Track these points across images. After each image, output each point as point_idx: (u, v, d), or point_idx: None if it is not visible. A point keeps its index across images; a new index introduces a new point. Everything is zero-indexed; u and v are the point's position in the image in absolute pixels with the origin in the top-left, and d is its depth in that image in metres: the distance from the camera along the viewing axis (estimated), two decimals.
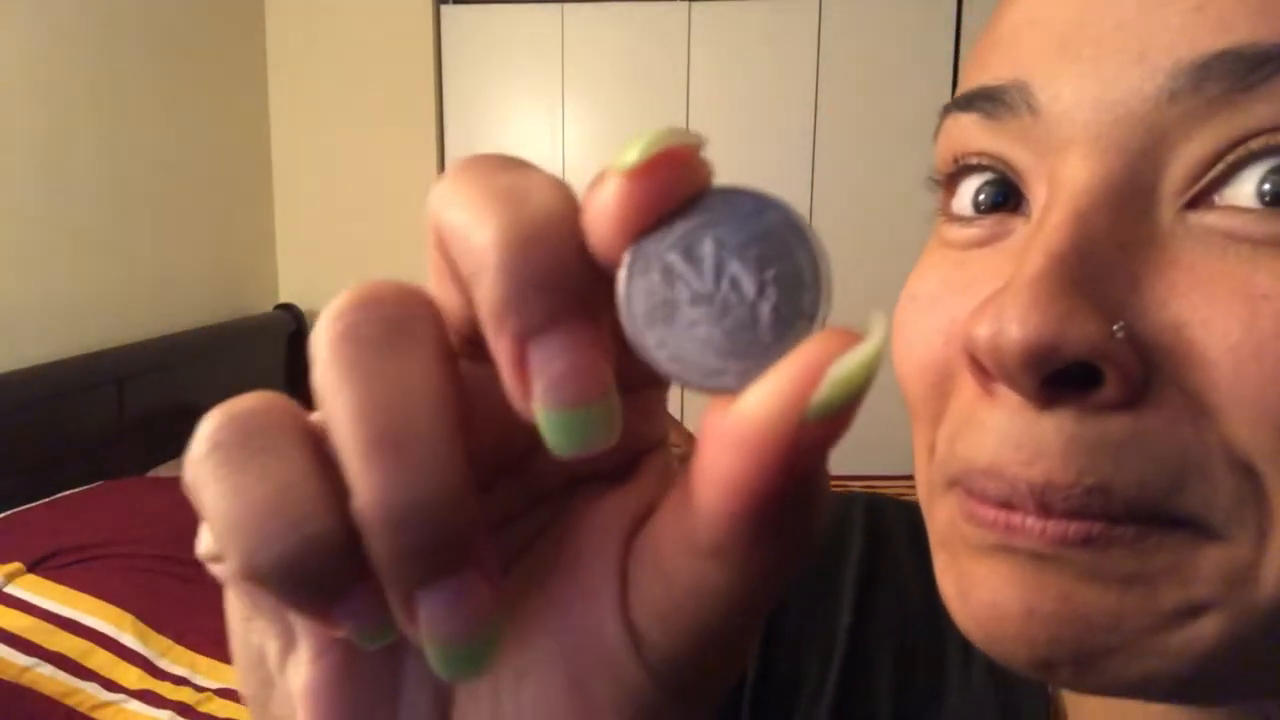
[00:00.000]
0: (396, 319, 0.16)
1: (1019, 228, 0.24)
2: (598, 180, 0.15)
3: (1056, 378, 0.20)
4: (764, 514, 0.14)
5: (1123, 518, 0.20)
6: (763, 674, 0.35)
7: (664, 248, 0.14)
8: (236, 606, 0.19)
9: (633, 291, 0.14)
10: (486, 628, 0.15)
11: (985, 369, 0.21)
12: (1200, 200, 0.20)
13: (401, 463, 0.14)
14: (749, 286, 0.14)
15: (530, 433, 0.15)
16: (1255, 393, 0.19)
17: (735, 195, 0.15)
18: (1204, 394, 0.19)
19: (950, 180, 0.25)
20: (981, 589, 0.22)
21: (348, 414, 0.15)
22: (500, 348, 0.14)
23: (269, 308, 2.96)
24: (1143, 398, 0.20)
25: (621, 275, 0.14)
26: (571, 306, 0.14)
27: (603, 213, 0.14)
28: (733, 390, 0.14)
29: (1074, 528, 0.20)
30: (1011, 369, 0.20)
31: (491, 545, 0.15)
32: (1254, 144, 0.19)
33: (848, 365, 0.13)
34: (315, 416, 0.16)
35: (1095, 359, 0.20)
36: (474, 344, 0.16)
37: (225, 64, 2.74)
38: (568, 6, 2.78)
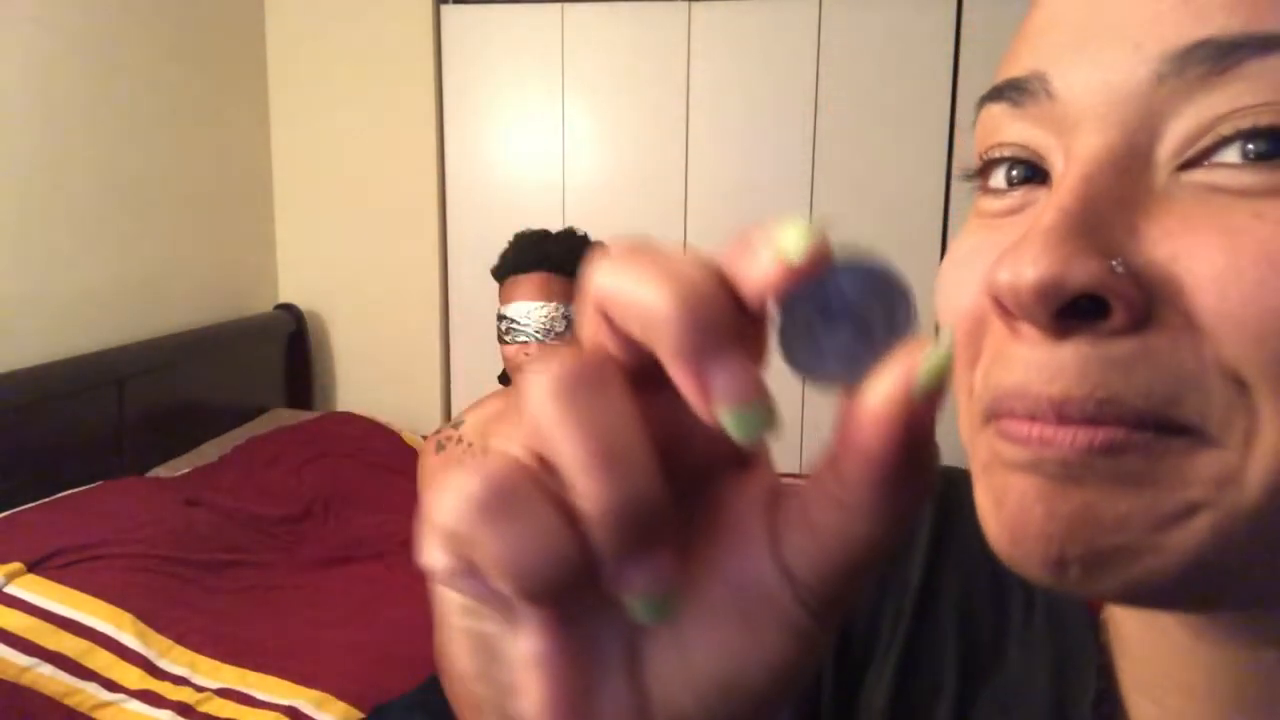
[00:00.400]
0: (592, 370, 0.21)
1: (1043, 197, 0.27)
2: (748, 246, 0.20)
3: (1068, 310, 0.23)
4: (893, 473, 0.20)
5: (1133, 426, 0.23)
6: (844, 630, 0.40)
7: (806, 298, 0.21)
8: (458, 603, 0.23)
9: (786, 329, 0.21)
10: (673, 586, 0.20)
11: (1008, 309, 0.24)
12: (1191, 164, 0.24)
13: (617, 471, 0.19)
14: (865, 320, 0.21)
15: (687, 434, 0.21)
16: (1238, 311, 0.22)
17: (849, 259, 0.21)
18: (1196, 316, 0.23)
19: (985, 169, 0.29)
20: (1012, 498, 0.25)
21: (573, 442, 0.20)
22: (685, 373, 0.20)
23: (269, 308, 2.96)
24: (1146, 323, 0.23)
25: (778, 318, 0.21)
26: (729, 339, 0.20)
27: (763, 281, 0.20)
28: (857, 384, 0.20)
29: (1098, 436, 0.23)
30: (1028, 304, 0.23)
31: (673, 524, 0.21)
32: (1226, 128, 0.23)
33: (931, 358, 0.19)
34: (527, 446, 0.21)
35: (1100, 291, 0.23)
36: (641, 378, 0.21)
37: (225, 64, 2.74)
38: (568, 6, 2.78)
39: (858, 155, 2.70)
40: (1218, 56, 0.23)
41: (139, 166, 2.38)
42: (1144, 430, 0.23)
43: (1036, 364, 0.24)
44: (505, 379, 1.44)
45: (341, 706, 1.47)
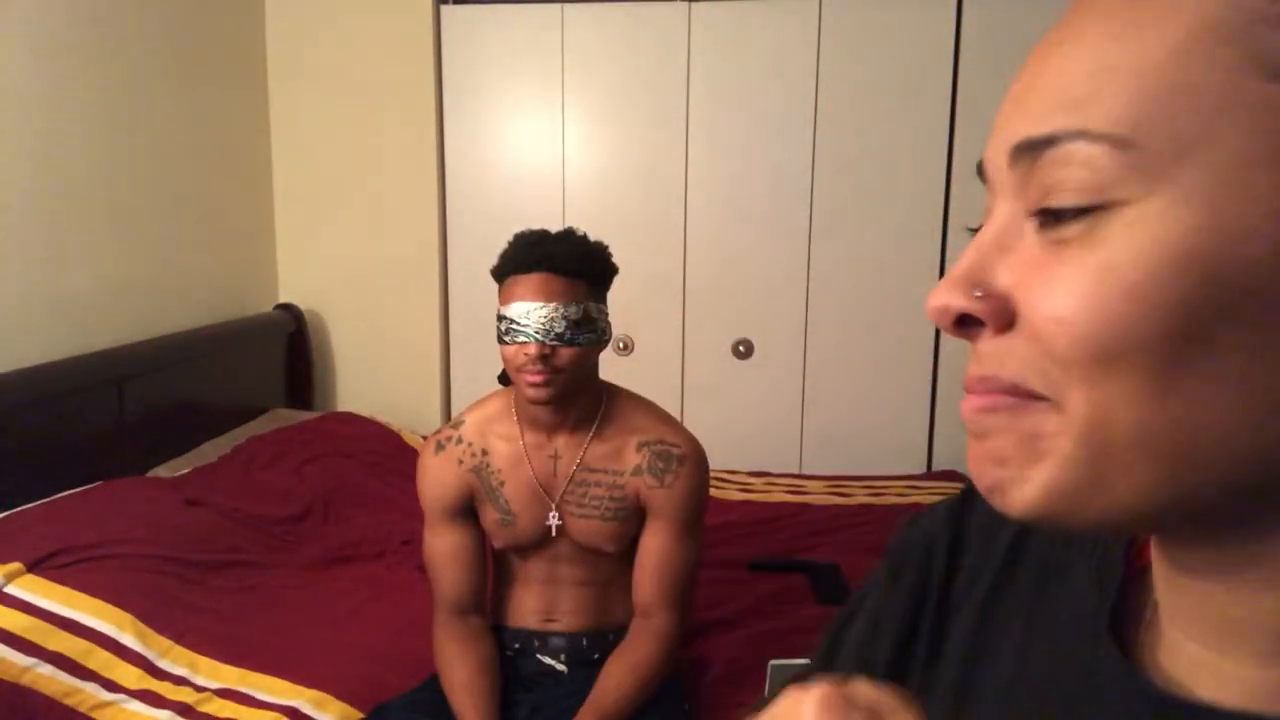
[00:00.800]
0: None
1: None
2: None
3: (965, 321, 0.35)
4: None
5: (1007, 394, 0.34)
6: (950, 561, 0.51)
7: None
8: None
9: None
10: None
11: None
12: (1043, 224, 0.33)
13: None
14: None
15: None
16: (1047, 324, 0.32)
17: None
18: (1033, 324, 0.33)
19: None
20: (968, 457, 0.37)
21: None
22: None
23: (269, 308, 2.96)
24: (1011, 327, 0.34)
25: None
26: None
27: None
28: None
29: (983, 401, 0.35)
30: (936, 322, 0.36)
31: None
32: (1035, 206, 0.33)
33: None
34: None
35: (969, 310, 0.35)
36: None
37: (225, 64, 2.74)
38: (568, 6, 2.78)
39: (858, 155, 2.70)
40: (1029, 152, 0.33)
41: (139, 166, 2.38)
42: (1014, 397, 0.34)
43: (972, 360, 0.36)
44: (505, 379, 1.44)
45: (341, 706, 1.47)
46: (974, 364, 0.36)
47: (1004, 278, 0.34)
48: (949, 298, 0.35)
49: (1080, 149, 0.31)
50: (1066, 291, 0.32)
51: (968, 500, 0.51)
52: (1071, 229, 0.32)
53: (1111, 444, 0.32)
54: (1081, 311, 0.31)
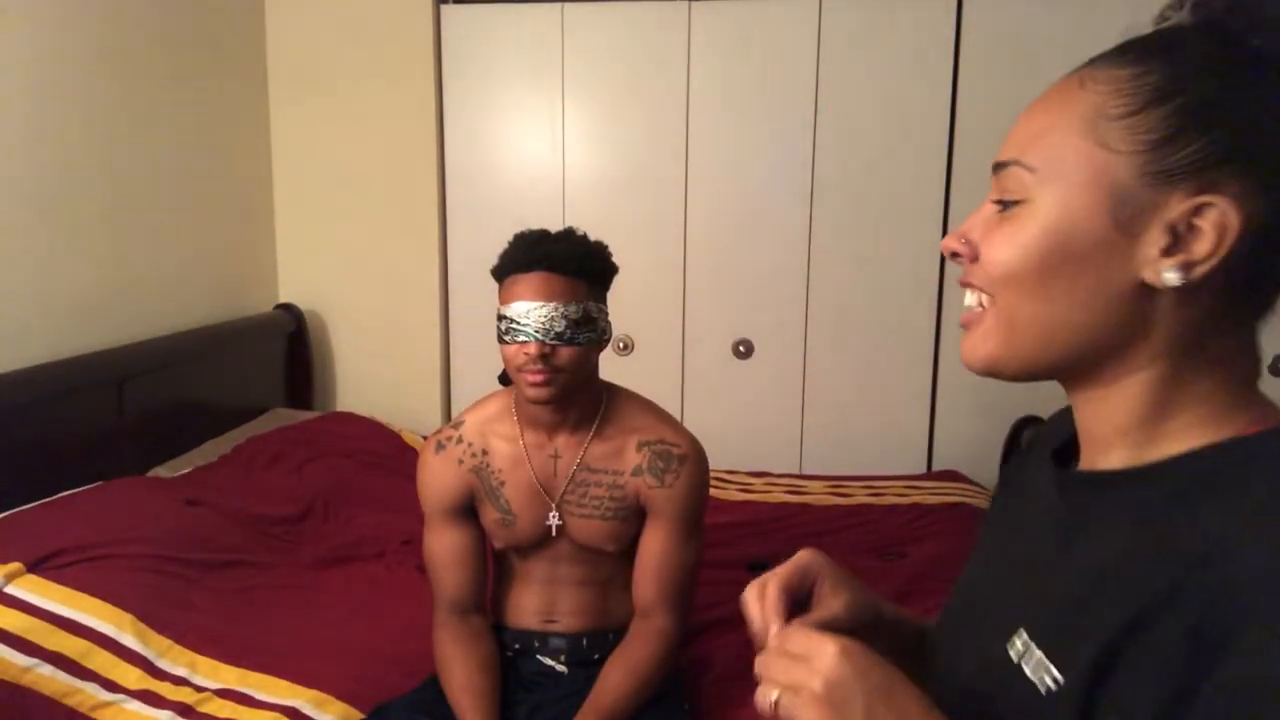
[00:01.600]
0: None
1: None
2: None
3: (956, 255, 0.60)
4: None
5: (975, 290, 0.59)
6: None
7: None
8: None
9: None
10: None
11: None
12: (1001, 208, 0.58)
13: None
14: None
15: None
16: (991, 261, 0.57)
17: None
18: (985, 260, 0.58)
19: None
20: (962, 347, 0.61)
21: None
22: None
23: (269, 308, 2.96)
24: (977, 260, 0.58)
25: None
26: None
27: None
28: None
29: (970, 293, 0.60)
30: (944, 252, 0.61)
31: None
32: (998, 199, 0.58)
33: None
34: None
35: (958, 250, 0.60)
36: None
37: (225, 64, 2.74)
38: (568, 6, 2.78)
39: (858, 155, 2.70)
40: (1000, 166, 0.57)
41: (139, 166, 2.38)
42: (982, 297, 0.59)
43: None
44: (505, 379, 1.44)
45: (341, 706, 1.47)
46: (962, 276, 0.61)
47: (976, 234, 0.59)
48: (949, 242, 0.61)
49: (1016, 170, 0.57)
50: (1001, 245, 0.57)
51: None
52: (1009, 212, 0.57)
53: (1014, 326, 0.57)
54: (1005, 255, 0.57)
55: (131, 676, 1.51)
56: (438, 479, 1.43)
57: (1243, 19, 0.51)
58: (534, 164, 2.85)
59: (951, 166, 2.65)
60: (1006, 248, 0.56)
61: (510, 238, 1.38)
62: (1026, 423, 2.50)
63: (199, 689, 1.51)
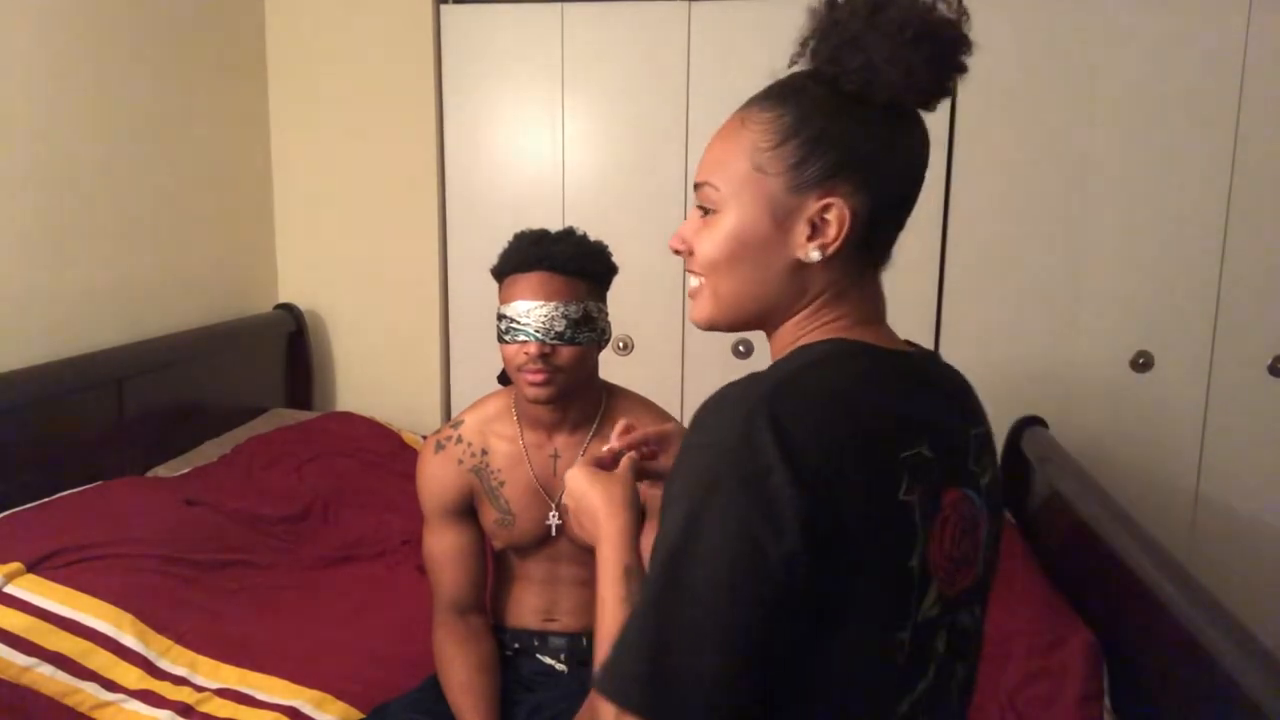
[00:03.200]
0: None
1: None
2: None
3: (679, 252, 0.81)
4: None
5: (699, 276, 0.80)
6: None
7: None
8: None
9: None
10: None
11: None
12: (703, 215, 0.79)
13: None
14: None
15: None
16: (700, 254, 0.78)
17: None
18: (697, 253, 0.78)
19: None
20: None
21: None
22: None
23: (269, 308, 2.96)
24: (693, 255, 0.78)
25: None
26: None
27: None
28: None
29: (689, 281, 0.82)
30: (672, 250, 0.82)
31: None
32: (700, 207, 0.80)
33: None
34: None
35: (680, 249, 0.80)
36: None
37: (226, 64, 2.74)
38: (568, 6, 2.78)
39: None
40: (699, 186, 0.78)
41: (139, 166, 2.38)
42: (696, 277, 0.79)
43: None
44: (505, 379, 1.44)
45: (341, 706, 1.47)
46: (686, 265, 0.80)
47: (690, 235, 0.79)
48: (674, 242, 0.81)
49: (709, 189, 0.77)
50: (704, 242, 0.77)
51: None
52: (708, 218, 0.77)
53: (719, 297, 0.78)
54: (707, 250, 0.76)
55: (131, 676, 1.51)
56: (437, 479, 1.43)
57: (837, 69, 0.71)
58: (534, 164, 2.85)
59: (951, 166, 2.65)
60: (708, 245, 0.76)
61: (510, 238, 1.38)
62: (1027, 423, 2.50)
63: (199, 689, 1.51)
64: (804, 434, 0.63)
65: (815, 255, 0.73)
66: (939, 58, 0.70)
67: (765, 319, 0.78)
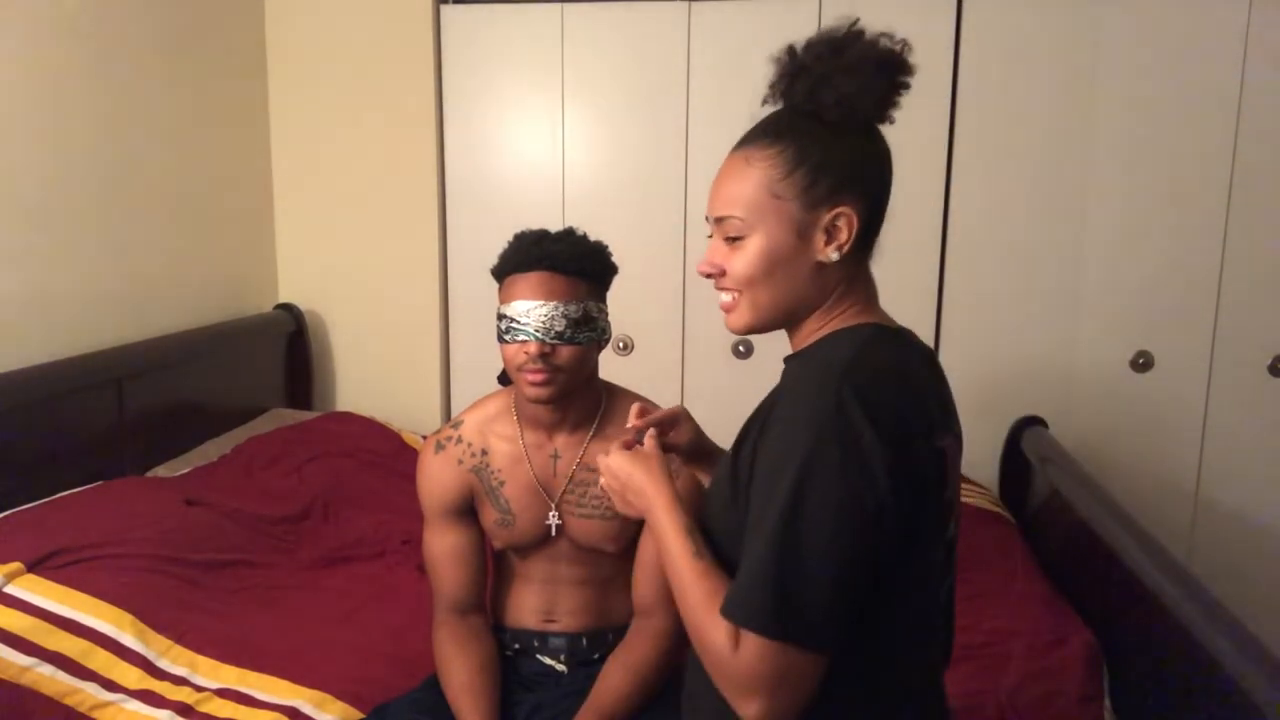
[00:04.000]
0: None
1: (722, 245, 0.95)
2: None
3: (710, 275, 0.95)
4: None
5: (728, 290, 0.94)
6: None
7: None
8: None
9: None
10: None
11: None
12: (728, 242, 0.94)
13: None
14: None
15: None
16: (733, 274, 0.92)
17: None
18: (730, 273, 0.92)
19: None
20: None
21: None
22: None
23: (269, 308, 2.96)
24: (725, 275, 0.93)
25: None
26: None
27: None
28: None
29: (723, 298, 0.95)
30: (701, 274, 0.96)
31: None
32: (726, 236, 0.93)
33: None
34: None
35: (712, 271, 0.94)
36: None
37: (225, 64, 2.75)
38: (568, 6, 2.78)
39: None
40: (712, 222, 0.93)
41: (139, 166, 2.38)
42: (730, 293, 0.93)
43: None
44: (505, 379, 1.44)
45: (341, 706, 1.47)
46: (717, 284, 0.93)
47: (719, 259, 0.92)
48: (703, 268, 0.94)
49: (734, 220, 0.90)
50: (739, 263, 0.90)
51: None
52: (736, 244, 0.90)
53: (758, 305, 0.91)
54: (743, 268, 0.90)
55: (131, 676, 1.51)
56: (437, 479, 1.43)
57: (816, 104, 0.89)
58: (534, 164, 2.85)
59: (951, 166, 2.65)
60: (742, 264, 0.90)
61: (510, 238, 1.38)
62: (1027, 423, 2.50)
63: (199, 689, 1.51)
64: (881, 402, 0.81)
65: (834, 256, 0.89)
66: (896, 82, 0.89)
67: (795, 316, 0.93)
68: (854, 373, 0.83)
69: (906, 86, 0.90)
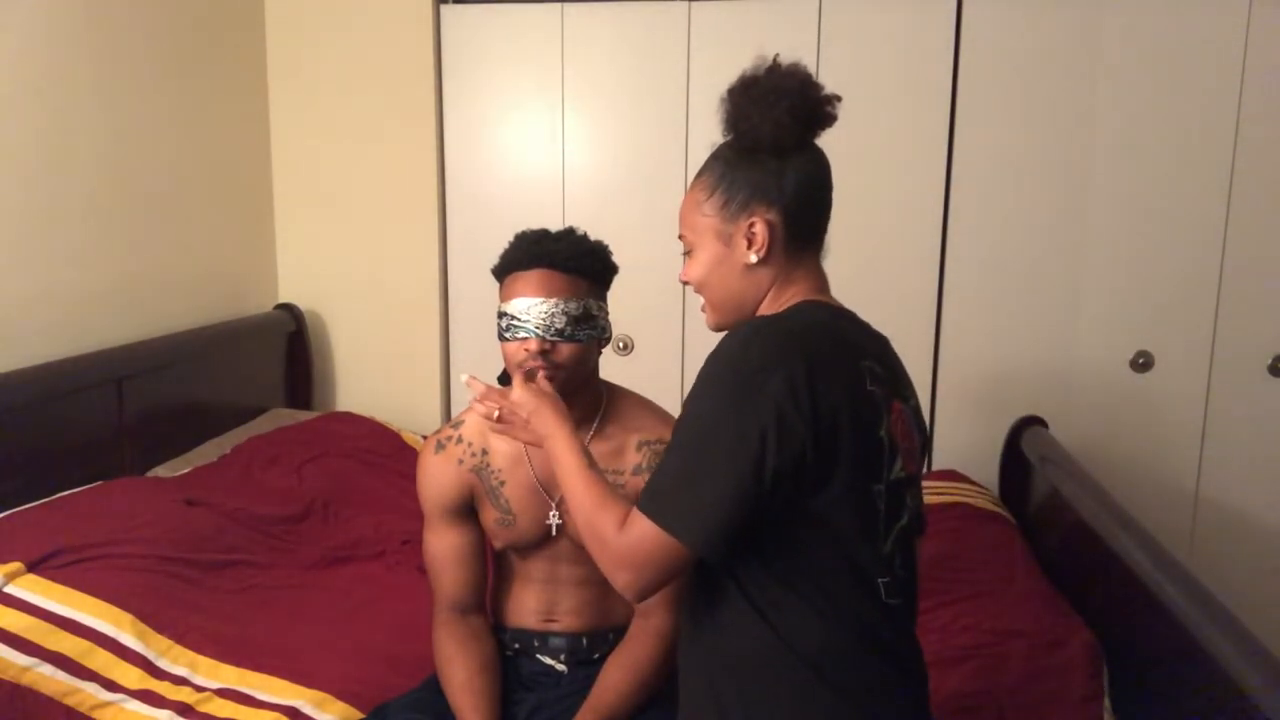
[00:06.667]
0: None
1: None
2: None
3: (686, 283, 1.14)
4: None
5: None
6: None
7: None
8: None
9: None
10: None
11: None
12: (685, 255, 1.14)
13: None
14: None
15: None
16: (693, 281, 1.11)
17: None
18: (692, 281, 1.12)
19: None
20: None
21: None
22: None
23: (269, 308, 2.96)
24: (690, 283, 1.12)
25: None
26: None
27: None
28: None
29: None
30: (681, 283, 1.16)
31: None
32: (685, 250, 1.13)
33: None
34: None
35: (683, 280, 1.14)
36: None
37: (226, 64, 2.75)
38: (568, 6, 2.78)
39: (857, 155, 2.70)
40: (682, 237, 1.12)
41: (139, 167, 2.38)
42: (703, 300, 1.12)
43: None
44: (505, 378, 1.44)
45: (341, 706, 1.47)
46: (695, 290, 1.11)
47: (685, 271, 1.11)
48: (682, 276, 1.12)
49: (685, 237, 1.10)
50: (694, 272, 1.09)
51: None
52: (690, 256, 1.10)
53: (715, 305, 1.10)
54: (694, 276, 1.09)
55: (132, 676, 1.51)
56: (437, 479, 1.43)
57: (732, 133, 1.07)
58: (534, 164, 2.85)
59: (951, 167, 2.65)
60: (695, 272, 1.08)
61: (510, 237, 1.38)
62: (1027, 423, 2.50)
63: (199, 689, 1.51)
64: (786, 345, 0.94)
65: (754, 258, 1.04)
66: (801, 111, 1.02)
67: (744, 309, 1.08)
68: (769, 324, 0.99)
69: (824, 118, 1.05)
